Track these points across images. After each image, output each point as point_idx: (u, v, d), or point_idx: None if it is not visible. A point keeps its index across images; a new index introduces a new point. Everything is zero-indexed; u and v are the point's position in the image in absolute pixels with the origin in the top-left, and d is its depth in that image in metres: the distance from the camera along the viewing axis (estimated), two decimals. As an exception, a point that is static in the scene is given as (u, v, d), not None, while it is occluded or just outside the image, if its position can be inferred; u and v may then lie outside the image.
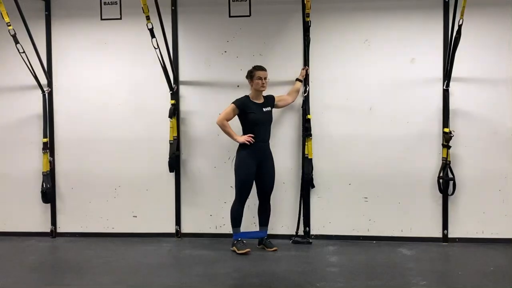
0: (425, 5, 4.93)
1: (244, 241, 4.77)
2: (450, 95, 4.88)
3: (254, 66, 4.75)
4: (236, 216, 4.75)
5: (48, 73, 5.24)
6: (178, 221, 5.28)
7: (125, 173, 5.29)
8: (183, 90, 5.24)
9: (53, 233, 5.38)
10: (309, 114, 4.99)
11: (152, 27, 4.66)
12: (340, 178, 5.08)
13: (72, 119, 5.33)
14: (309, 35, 4.96)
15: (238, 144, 4.70)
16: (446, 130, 4.83)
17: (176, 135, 5.14)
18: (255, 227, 5.01)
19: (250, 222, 5.11)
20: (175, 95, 5.13)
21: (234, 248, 4.74)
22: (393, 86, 5.01)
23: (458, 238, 4.97)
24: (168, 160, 5.07)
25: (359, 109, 5.04)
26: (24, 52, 4.83)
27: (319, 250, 4.81)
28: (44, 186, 5.24)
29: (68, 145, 5.35)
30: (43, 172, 5.24)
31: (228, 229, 4.91)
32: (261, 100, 4.76)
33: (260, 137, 4.69)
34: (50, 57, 5.30)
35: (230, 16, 5.15)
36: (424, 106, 4.96)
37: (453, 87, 4.87)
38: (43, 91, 5.19)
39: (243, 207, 4.77)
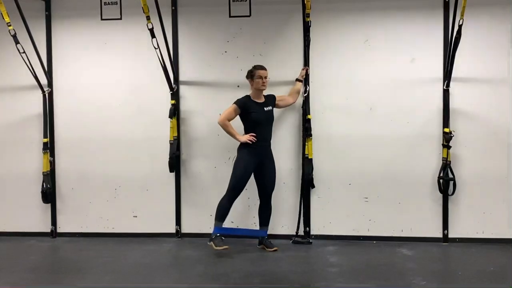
0: (425, 5, 4.93)
1: (223, 238, 4.66)
2: (450, 95, 4.88)
3: (254, 65, 4.75)
4: (223, 210, 4.67)
5: (48, 73, 5.24)
6: (178, 221, 5.28)
7: (125, 173, 5.29)
8: (183, 90, 5.24)
9: (53, 233, 5.38)
10: (309, 114, 4.99)
11: (152, 27, 4.67)
12: (340, 178, 5.08)
13: (72, 119, 5.33)
14: (309, 35, 4.96)
15: (239, 143, 4.70)
16: (447, 130, 4.83)
17: (176, 135, 5.15)
18: (255, 227, 5.01)
19: (250, 222, 5.12)
20: (175, 95, 5.13)
21: (212, 243, 4.59)
22: (393, 86, 5.01)
23: (458, 238, 4.97)
24: (168, 160, 5.08)
25: (359, 109, 5.04)
26: (24, 52, 4.83)
27: (319, 250, 4.81)
28: (44, 186, 5.24)
29: (68, 145, 5.35)
30: (43, 172, 5.24)
31: (228, 229, 4.91)
32: (262, 100, 4.76)
33: (261, 136, 4.68)
34: (50, 57, 5.30)
35: (230, 16, 5.15)
36: (424, 106, 4.96)
37: (453, 87, 4.87)
38: (43, 91, 5.19)
39: (231, 204, 4.69)
